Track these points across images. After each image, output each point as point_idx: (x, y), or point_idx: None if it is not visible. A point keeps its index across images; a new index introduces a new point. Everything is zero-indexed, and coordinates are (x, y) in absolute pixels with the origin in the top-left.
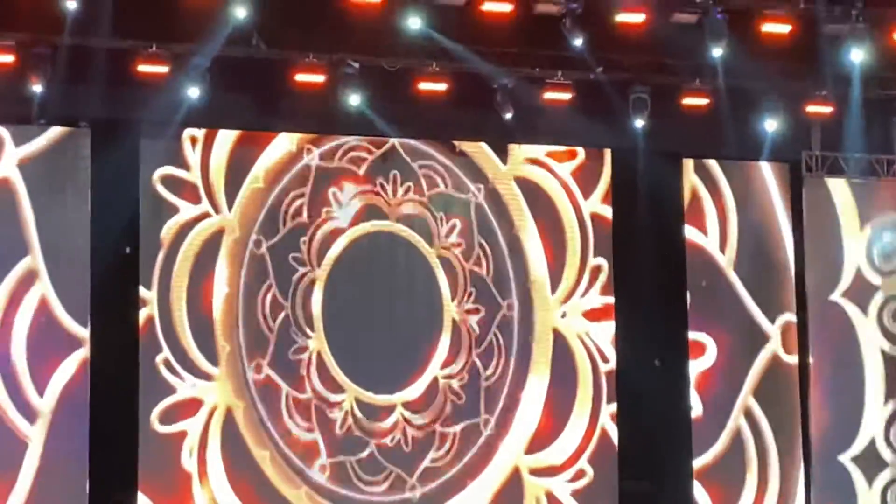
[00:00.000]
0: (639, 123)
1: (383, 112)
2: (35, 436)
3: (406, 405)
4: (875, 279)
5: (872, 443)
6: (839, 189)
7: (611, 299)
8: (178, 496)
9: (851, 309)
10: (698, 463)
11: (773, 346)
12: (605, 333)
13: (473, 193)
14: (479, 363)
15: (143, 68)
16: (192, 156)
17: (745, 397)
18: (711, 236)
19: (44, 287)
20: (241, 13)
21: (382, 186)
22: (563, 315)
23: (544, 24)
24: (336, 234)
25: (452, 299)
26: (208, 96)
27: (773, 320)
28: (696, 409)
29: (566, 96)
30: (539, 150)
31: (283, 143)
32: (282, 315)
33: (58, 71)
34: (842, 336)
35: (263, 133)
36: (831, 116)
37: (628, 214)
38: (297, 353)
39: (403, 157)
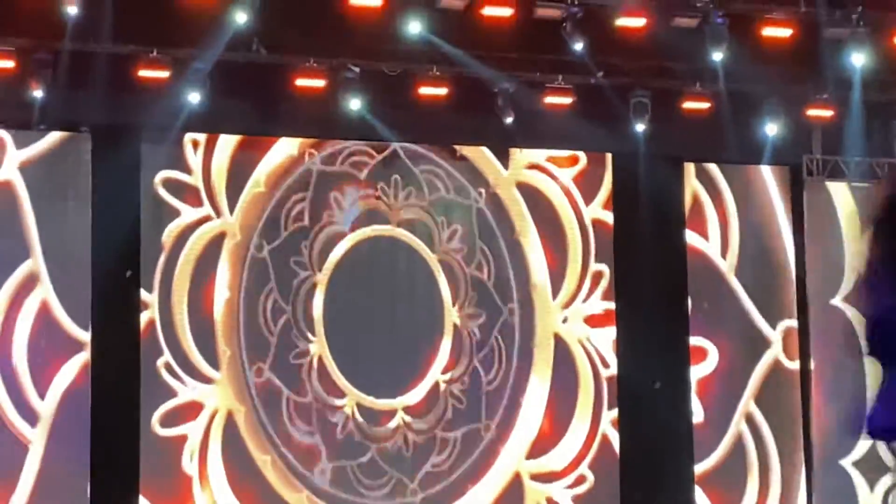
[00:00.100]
0: (639, 127)
1: (384, 117)
2: (36, 439)
3: (407, 410)
4: None
5: (874, 447)
6: (840, 193)
7: (612, 305)
8: (179, 500)
9: (853, 313)
10: (699, 468)
11: (775, 351)
12: (606, 339)
13: (475, 198)
14: (480, 368)
15: (144, 73)
16: (194, 159)
17: (747, 403)
18: (713, 242)
19: (45, 290)
20: (241, 18)
21: (384, 191)
22: (565, 320)
23: (545, 29)
24: (337, 238)
25: (454, 304)
26: (209, 101)
27: (774, 326)
28: (698, 414)
29: (567, 100)
30: (540, 156)
31: (285, 148)
32: (283, 319)
33: (58, 76)
34: (843, 340)
35: (264, 138)
36: (832, 120)
37: (629, 219)
38: (298, 357)
39: (405, 161)
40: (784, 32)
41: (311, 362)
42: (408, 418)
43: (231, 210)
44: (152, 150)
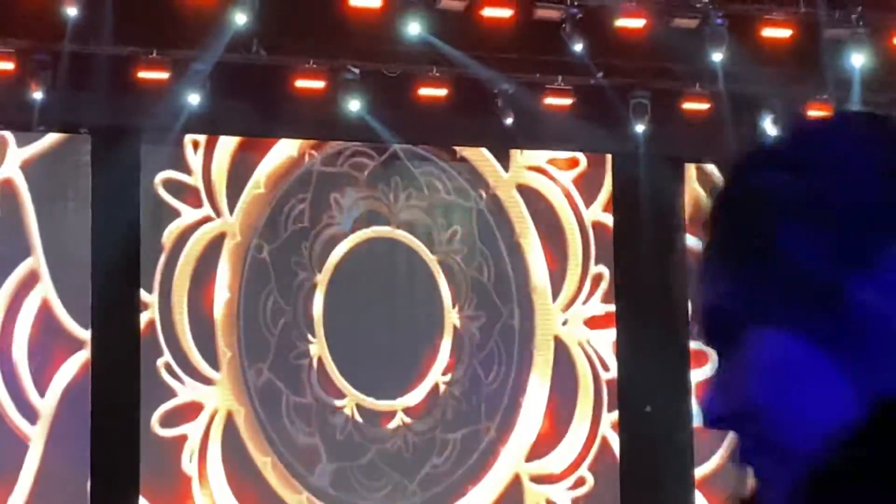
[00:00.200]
0: (639, 128)
1: (384, 118)
2: (36, 437)
3: (407, 411)
4: None
5: None
6: None
7: (612, 307)
8: (179, 500)
9: None
10: (699, 472)
11: None
12: (606, 341)
13: (475, 200)
14: (479, 370)
15: (144, 75)
16: (194, 160)
17: None
18: None
19: (45, 288)
20: (241, 19)
21: (384, 192)
22: (565, 323)
23: (544, 30)
24: (337, 239)
25: (453, 305)
26: (209, 103)
27: None
28: (697, 418)
29: (566, 101)
30: (540, 158)
31: (285, 149)
32: (283, 320)
33: (58, 78)
34: None
35: (264, 139)
36: None
37: (629, 221)
38: (298, 357)
39: (405, 162)
40: (784, 33)
41: (310, 363)
42: (407, 419)
43: (231, 211)
44: (152, 151)
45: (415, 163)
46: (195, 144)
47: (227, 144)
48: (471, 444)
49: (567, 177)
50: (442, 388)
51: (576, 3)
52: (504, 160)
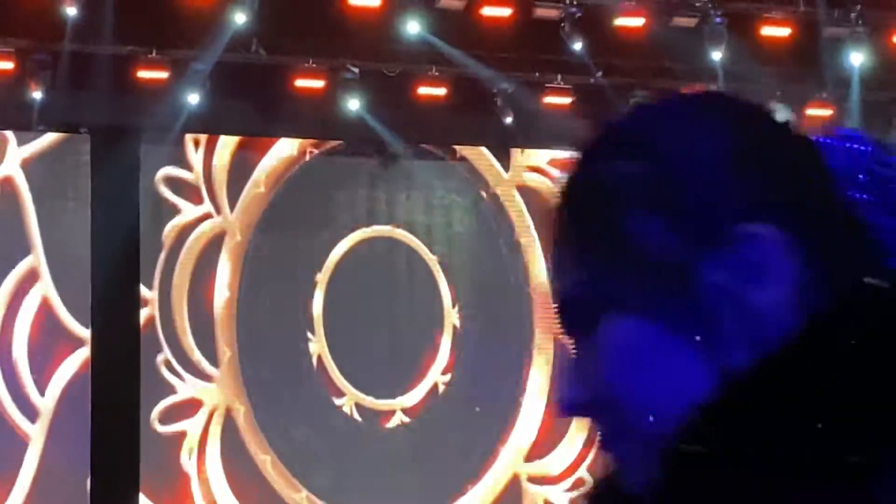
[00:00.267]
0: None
1: (383, 117)
2: (36, 435)
3: (406, 410)
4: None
5: None
6: None
7: None
8: (178, 496)
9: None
10: None
11: None
12: None
13: (475, 199)
14: (479, 369)
15: (144, 74)
16: (195, 157)
17: None
18: None
19: (45, 286)
20: (240, 19)
21: (384, 191)
22: None
23: (543, 29)
24: (337, 238)
25: (453, 305)
26: (208, 102)
27: None
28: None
29: (566, 100)
30: (541, 159)
31: (285, 148)
32: (282, 318)
33: (57, 77)
34: None
35: (264, 138)
36: (831, 119)
37: None
38: (298, 356)
39: (405, 162)
40: (783, 32)
41: (310, 361)
42: (406, 419)
43: (231, 208)
44: (151, 150)
45: (415, 162)
46: (196, 142)
47: (228, 142)
48: (470, 444)
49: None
50: (441, 387)
51: (575, 2)
52: (504, 160)
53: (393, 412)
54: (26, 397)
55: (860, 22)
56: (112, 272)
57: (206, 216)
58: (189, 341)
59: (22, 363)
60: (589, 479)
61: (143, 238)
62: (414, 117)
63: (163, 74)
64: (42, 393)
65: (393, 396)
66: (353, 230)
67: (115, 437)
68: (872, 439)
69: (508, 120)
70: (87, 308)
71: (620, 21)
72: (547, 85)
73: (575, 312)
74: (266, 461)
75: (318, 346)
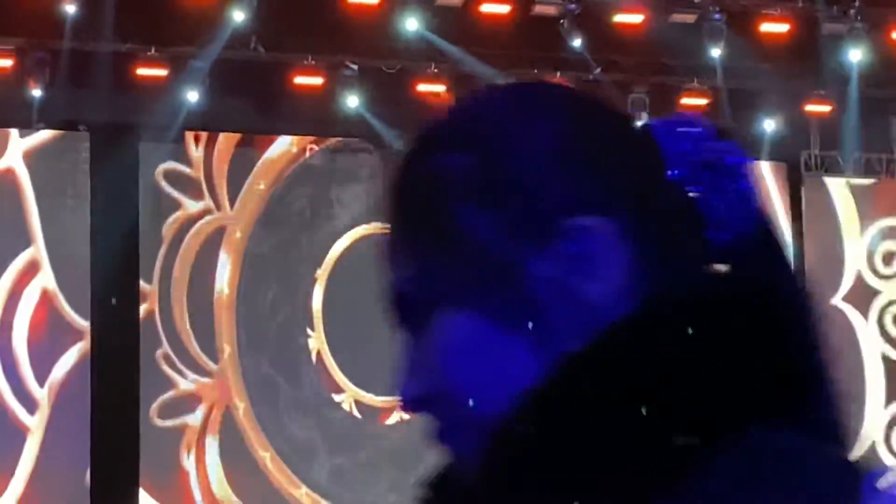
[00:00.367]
0: (638, 124)
1: (382, 114)
2: (35, 427)
3: None
4: (876, 283)
5: (873, 447)
6: (838, 189)
7: None
8: (177, 491)
9: (852, 313)
10: None
11: None
12: None
13: None
14: None
15: (143, 72)
16: (195, 153)
17: None
18: None
19: (46, 278)
20: (239, 16)
21: (384, 187)
22: None
23: (542, 25)
24: (337, 234)
25: None
26: (207, 100)
27: None
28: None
29: None
30: None
31: (285, 144)
32: (282, 314)
33: (57, 75)
34: (842, 341)
35: (264, 135)
36: (830, 116)
37: None
38: (297, 352)
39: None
40: (782, 28)
41: (309, 357)
42: (406, 415)
43: (231, 204)
44: (151, 148)
45: None
46: (196, 138)
47: (228, 138)
48: None
49: None
50: None
51: None
52: None
53: (392, 409)
54: (26, 388)
55: (859, 18)
56: (111, 268)
57: (207, 211)
58: (189, 336)
59: (21, 355)
60: None
61: (144, 233)
62: (413, 114)
63: (162, 72)
64: (41, 385)
65: (392, 393)
66: (352, 226)
67: (115, 431)
68: (697, 422)
69: None
70: (86, 300)
71: (619, 17)
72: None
73: (408, 307)
74: (266, 457)
75: (317, 342)
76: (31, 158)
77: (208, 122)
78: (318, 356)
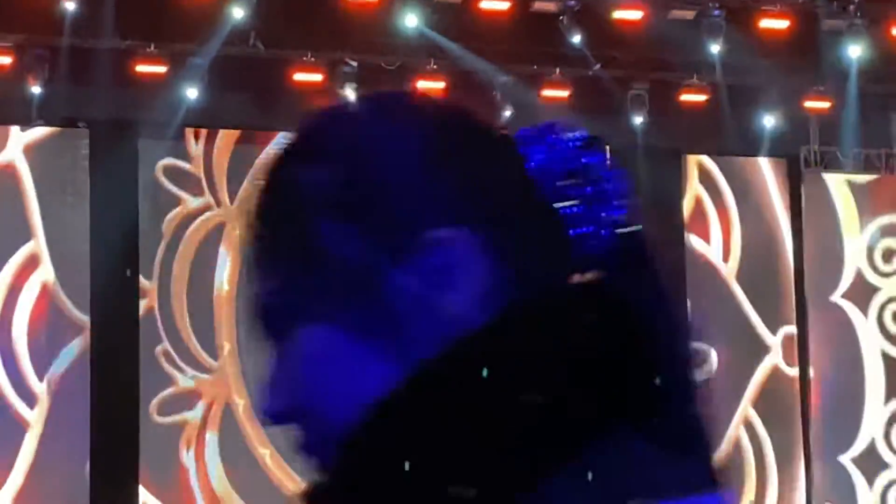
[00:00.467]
0: (637, 120)
1: None
2: (35, 420)
3: None
4: (875, 280)
5: (873, 443)
6: (838, 185)
7: None
8: (177, 487)
9: (852, 310)
10: None
11: (774, 358)
12: None
13: None
14: None
15: (142, 69)
16: (195, 149)
17: (745, 407)
18: (714, 245)
19: (46, 272)
20: (238, 13)
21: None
22: None
23: (542, 22)
24: None
25: None
26: (206, 96)
27: (774, 331)
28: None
29: (564, 93)
30: None
31: None
32: None
33: (56, 72)
34: (842, 338)
35: (263, 132)
36: (829, 112)
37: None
38: None
39: None
40: (781, 24)
41: None
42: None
43: (231, 200)
44: (150, 145)
45: None
46: (196, 134)
47: (228, 134)
48: None
49: None
50: None
51: None
52: None
53: None
54: (26, 383)
55: (858, 14)
56: (111, 265)
57: (206, 207)
58: (188, 333)
59: (21, 349)
60: None
61: (143, 229)
62: None
63: (161, 69)
64: (41, 379)
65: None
66: None
67: (114, 426)
68: (549, 432)
69: (507, 113)
70: (86, 295)
71: (619, 14)
72: (545, 78)
73: (270, 320)
74: (266, 454)
75: None
76: (32, 153)
77: (208, 118)
78: None
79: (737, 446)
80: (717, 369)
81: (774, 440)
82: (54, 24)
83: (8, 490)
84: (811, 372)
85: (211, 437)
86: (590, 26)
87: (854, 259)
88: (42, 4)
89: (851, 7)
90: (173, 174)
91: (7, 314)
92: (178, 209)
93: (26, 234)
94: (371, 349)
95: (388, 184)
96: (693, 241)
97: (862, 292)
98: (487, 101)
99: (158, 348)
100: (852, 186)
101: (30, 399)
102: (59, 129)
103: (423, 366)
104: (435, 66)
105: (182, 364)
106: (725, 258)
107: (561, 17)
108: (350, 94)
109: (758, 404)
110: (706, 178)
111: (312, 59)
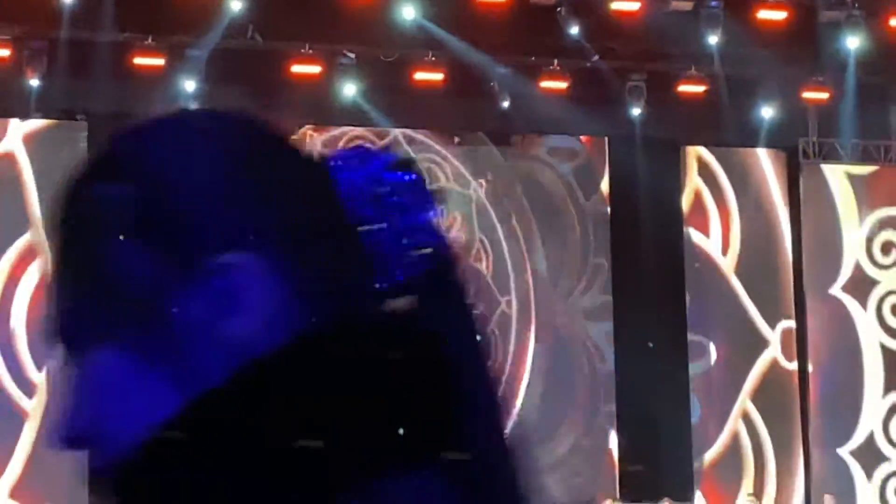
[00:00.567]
0: (636, 111)
1: (380, 102)
2: (33, 409)
3: None
4: (874, 273)
5: (871, 436)
6: (837, 177)
7: (610, 298)
8: None
9: (850, 302)
10: (697, 463)
11: (773, 352)
12: (604, 333)
13: (474, 188)
14: None
15: (140, 61)
16: None
17: (744, 400)
18: (713, 239)
19: (45, 262)
20: (236, 6)
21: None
22: (563, 313)
23: (540, 14)
24: None
25: None
26: (205, 88)
27: (772, 326)
28: (695, 410)
29: (562, 85)
30: (540, 148)
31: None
32: None
33: (54, 65)
34: (841, 331)
35: None
36: (828, 102)
37: (627, 206)
38: None
39: (405, 148)
40: (779, 15)
41: None
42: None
43: None
44: None
45: (415, 149)
46: None
47: None
48: None
49: (567, 167)
50: None
51: None
52: (501, 144)
53: None
54: (24, 372)
55: (856, 5)
56: None
57: None
58: None
59: (20, 339)
60: (586, 469)
61: None
62: (410, 102)
63: (159, 61)
64: (40, 368)
65: None
66: None
67: None
68: (333, 465)
69: (505, 104)
70: None
71: (616, 5)
72: (543, 69)
73: (66, 341)
74: None
75: None
76: (31, 145)
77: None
78: None
79: (736, 439)
80: (716, 363)
81: (773, 433)
82: (53, 16)
83: (7, 479)
84: (810, 365)
85: None
86: (588, 17)
87: (853, 251)
88: None
89: None
90: None
91: (6, 304)
92: None
93: (25, 225)
94: (152, 374)
95: (180, 205)
96: (692, 234)
97: (861, 285)
98: (485, 92)
99: None
100: (851, 178)
101: (28, 389)
102: (57, 121)
103: (207, 393)
104: (433, 58)
105: None
106: (724, 252)
107: (559, 9)
108: (349, 87)
109: (757, 398)
110: (705, 171)
111: (310, 51)
